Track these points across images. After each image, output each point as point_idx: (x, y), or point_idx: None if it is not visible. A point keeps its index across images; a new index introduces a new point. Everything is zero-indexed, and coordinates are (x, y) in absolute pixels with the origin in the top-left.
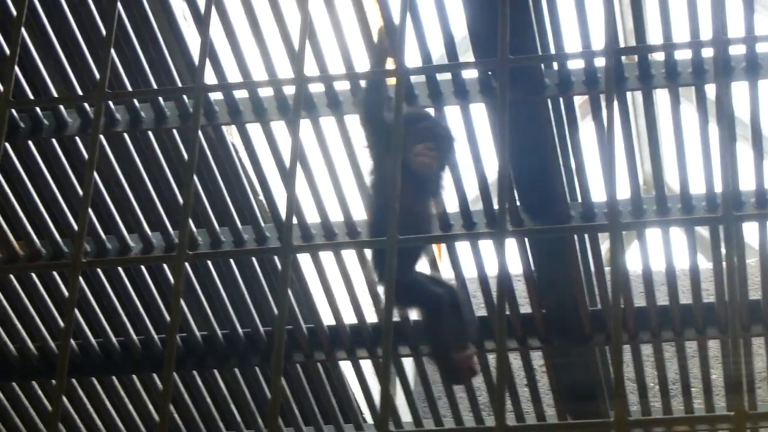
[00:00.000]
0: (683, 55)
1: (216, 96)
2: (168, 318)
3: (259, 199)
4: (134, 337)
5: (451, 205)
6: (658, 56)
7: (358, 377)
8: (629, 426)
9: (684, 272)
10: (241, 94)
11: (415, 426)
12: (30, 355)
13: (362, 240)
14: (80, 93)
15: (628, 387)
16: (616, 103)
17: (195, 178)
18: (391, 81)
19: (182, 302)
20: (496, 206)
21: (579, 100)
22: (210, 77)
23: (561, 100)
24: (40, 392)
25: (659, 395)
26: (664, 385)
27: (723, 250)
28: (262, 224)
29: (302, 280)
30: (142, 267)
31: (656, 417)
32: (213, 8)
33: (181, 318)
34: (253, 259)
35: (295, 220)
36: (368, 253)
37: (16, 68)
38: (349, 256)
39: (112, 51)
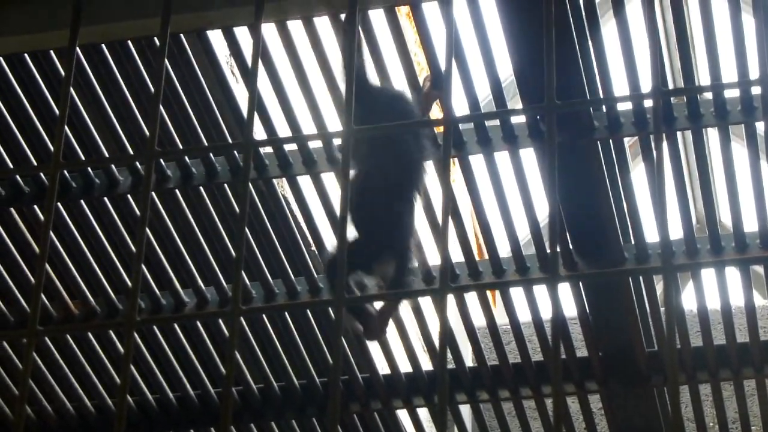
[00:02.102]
0: (732, 92)
1: (266, 149)
2: (224, 371)
3: (312, 249)
4: (191, 391)
5: (504, 250)
6: (707, 94)
7: (415, 425)
8: None
9: (740, 310)
10: (290, 146)
11: None
12: (87, 413)
13: (415, 290)
14: (130, 149)
15: (687, 427)
16: (665, 144)
17: (247, 231)
18: (439, 129)
19: (237, 355)
20: (548, 250)
21: (629, 141)
22: (259, 130)
23: (611, 141)
24: None
25: None
26: (723, 425)
27: None
28: (315, 275)
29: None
30: (197, 321)
31: None
32: (260, 62)
33: (237, 371)
34: (308, 309)
35: None
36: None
37: (66, 128)
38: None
39: (161, 107)
